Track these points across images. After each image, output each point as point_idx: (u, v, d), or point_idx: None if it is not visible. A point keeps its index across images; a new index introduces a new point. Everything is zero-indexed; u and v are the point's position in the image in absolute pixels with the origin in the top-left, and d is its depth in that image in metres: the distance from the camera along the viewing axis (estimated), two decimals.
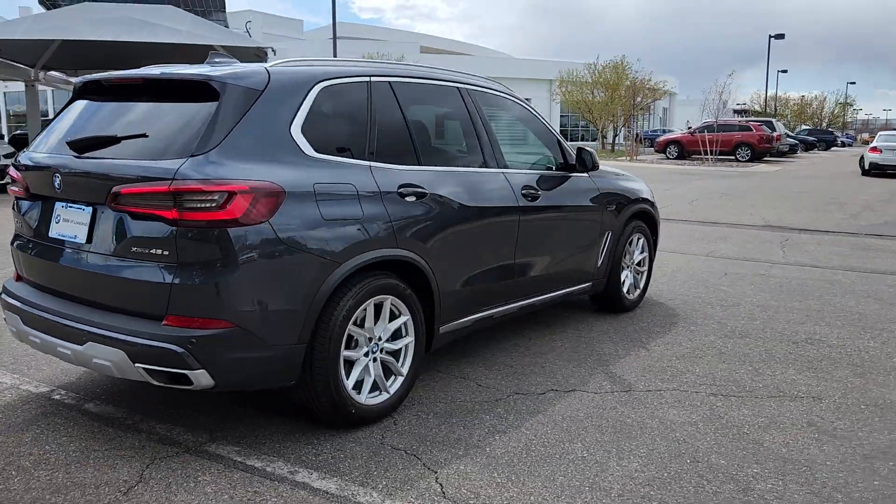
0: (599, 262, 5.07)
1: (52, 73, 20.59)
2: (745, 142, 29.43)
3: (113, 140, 3.01)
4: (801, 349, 4.64)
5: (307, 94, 3.19)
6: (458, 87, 4.10)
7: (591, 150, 4.88)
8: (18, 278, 3.53)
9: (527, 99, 5.03)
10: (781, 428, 3.41)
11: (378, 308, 3.35)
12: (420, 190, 3.52)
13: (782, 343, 4.77)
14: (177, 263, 2.80)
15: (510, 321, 5.03)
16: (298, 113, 3.12)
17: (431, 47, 51.75)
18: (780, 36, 48.97)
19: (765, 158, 30.39)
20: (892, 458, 3.12)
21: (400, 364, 3.51)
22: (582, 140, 51.35)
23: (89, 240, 3.04)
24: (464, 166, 3.98)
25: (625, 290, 5.42)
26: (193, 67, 3.16)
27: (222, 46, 15.62)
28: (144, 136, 2.98)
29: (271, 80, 3.09)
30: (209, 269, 2.79)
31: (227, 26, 19.51)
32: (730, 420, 3.50)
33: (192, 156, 2.80)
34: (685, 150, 30.45)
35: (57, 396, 3.69)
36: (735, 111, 59.11)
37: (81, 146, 3.06)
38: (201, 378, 2.79)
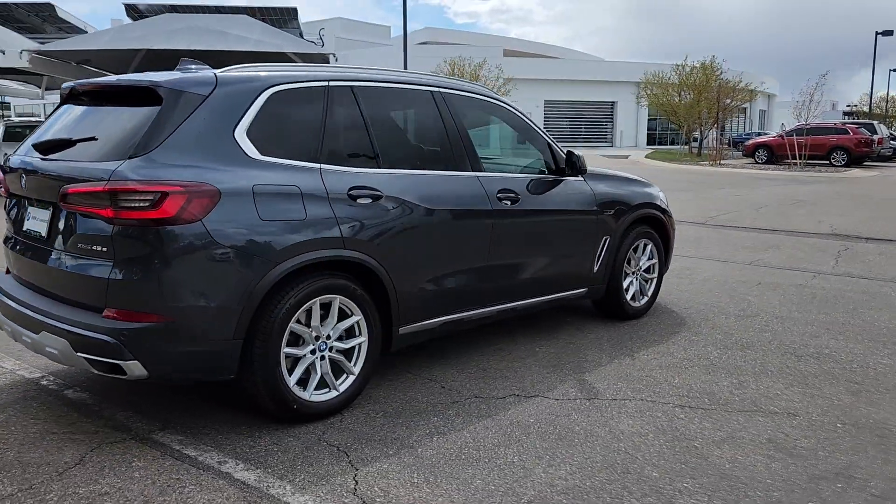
0: (596, 268, 4.96)
1: None
2: (841, 145, 27.83)
3: (68, 143, 3.22)
4: (802, 363, 4.39)
5: (255, 99, 3.30)
6: (431, 91, 4.12)
7: (579, 153, 4.78)
8: (7, 272, 3.82)
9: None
10: (737, 444, 3.26)
11: (326, 307, 3.42)
12: (375, 192, 3.57)
13: (784, 356, 4.53)
14: (113, 259, 2.97)
15: (503, 324, 5.02)
16: (244, 117, 3.24)
17: (515, 50, 51.55)
18: (889, 32, 46.04)
19: (864, 163, 28.66)
20: (843, 480, 2.93)
21: (352, 363, 3.57)
22: (672, 144, 49.81)
23: (49, 236, 3.26)
24: (431, 170, 3.99)
25: (628, 296, 5.28)
26: (146, 74, 3.33)
27: (294, 54, 16.24)
28: (94, 139, 3.18)
29: (217, 86, 3.22)
30: (143, 265, 2.95)
31: (301, 35, 20.19)
32: (684, 433, 3.37)
33: (130, 157, 2.97)
34: (775, 153, 29.13)
35: (45, 382, 3.96)
36: (845, 113, 55.95)
37: (44, 148, 3.30)
38: (134, 368, 2.95)
